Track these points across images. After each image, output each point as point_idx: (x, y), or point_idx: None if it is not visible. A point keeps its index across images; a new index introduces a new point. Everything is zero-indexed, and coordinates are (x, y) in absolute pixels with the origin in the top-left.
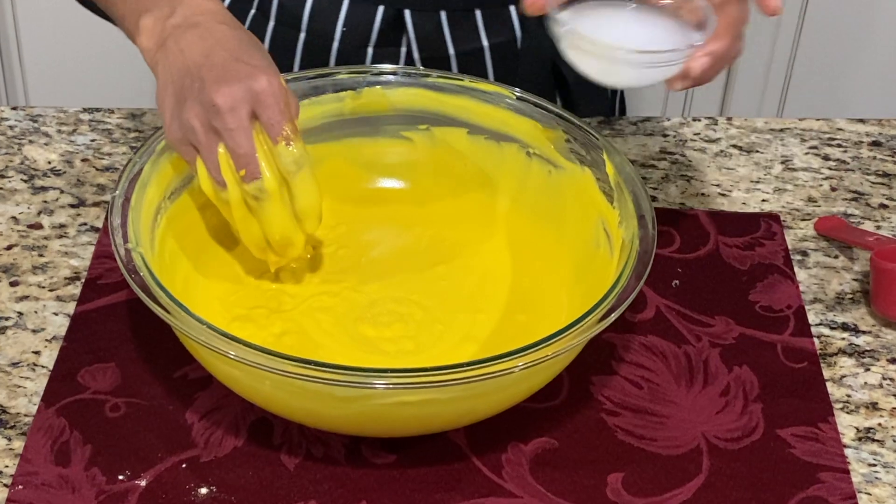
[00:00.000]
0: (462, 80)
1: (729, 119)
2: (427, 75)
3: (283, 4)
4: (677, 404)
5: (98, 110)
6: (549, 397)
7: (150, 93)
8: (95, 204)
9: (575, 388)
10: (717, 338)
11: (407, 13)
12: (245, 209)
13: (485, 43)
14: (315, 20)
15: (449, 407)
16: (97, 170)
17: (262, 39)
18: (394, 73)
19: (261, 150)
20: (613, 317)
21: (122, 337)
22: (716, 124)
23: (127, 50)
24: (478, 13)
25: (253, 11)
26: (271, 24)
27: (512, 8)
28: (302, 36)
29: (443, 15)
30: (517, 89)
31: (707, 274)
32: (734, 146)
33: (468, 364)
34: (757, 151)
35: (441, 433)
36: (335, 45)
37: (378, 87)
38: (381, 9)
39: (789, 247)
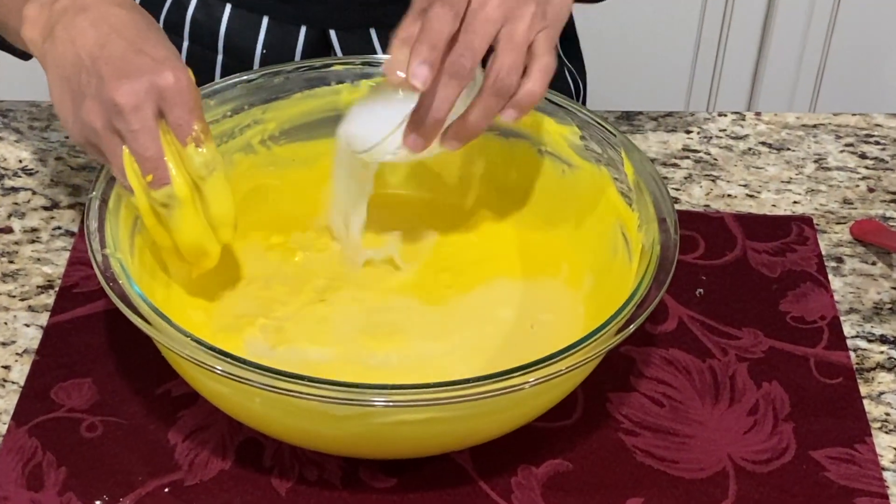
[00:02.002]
0: None
1: (757, 114)
2: None
3: (197, 21)
4: (701, 423)
5: None
6: (562, 416)
7: None
8: (70, 206)
9: (590, 405)
10: (744, 351)
11: (332, 33)
12: (154, 216)
13: None
14: (231, 40)
15: (454, 426)
16: (72, 169)
17: None
18: None
19: (169, 152)
20: (632, 328)
21: (99, 350)
22: (743, 120)
23: None
24: None
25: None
26: (185, 43)
27: None
28: (220, 58)
29: (373, 33)
30: None
31: (734, 282)
32: (763, 143)
33: (474, 380)
34: (788, 149)
35: (445, 455)
36: (256, 67)
37: (377, 78)
38: (303, 29)
39: (823, 252)
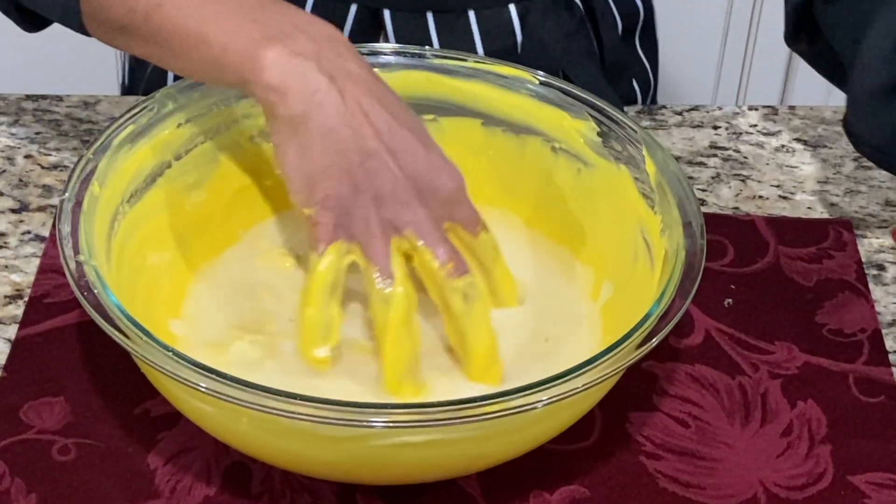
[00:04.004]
0: (476, 61)
1: (791, 108)
2: (435, 56)
3: None
4: (730, 446)
5: (44, 97)
6: (578, 437)
7: (106, 77)
8: (41, 208)
9: (609, 426)
10: (777, 367)
11: (386, 13)
12: (406, 318)
13: (479, 49)
14: None
15: (459, 449)
16: (43, 168)
17: None
18: (395, 53)
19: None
20: (654, 342)
21: (72, 366)
22: (776, 114)
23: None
24: (471, 14)
25: None
26: None
27: (512, 7)
28: None
29: (430, 17)
30: (540, 73)
31: (765, 291)
32: (798, 140)
33: (482, 398)
34: (825, 146)
35: (450, 480)
36: None
37: (376, 69)
38: (353, 7)
39: (863, 259)
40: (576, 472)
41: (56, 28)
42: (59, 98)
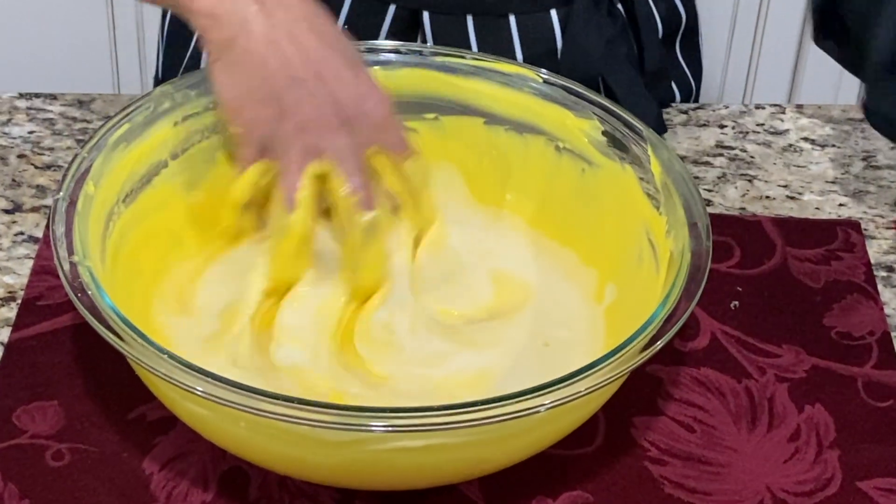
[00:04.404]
0: (478, 59)
1: (799, 107)
2: (436, 53)
3: None
4: (737, 451)
5: (37, 96)
6: (581, 442)
7: (100, 75)
8: (34, 209)
9: (613, 431)
10: (784, 371)
11: (425, 15)
12: (298, 242)
13: (519, 54)
14: None
15: (460, 454)
16: (36, 168)
17: None
18: (395, 51)
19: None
20: (659, 345)
21: (66, 370)
22: (783, 113)
23: (72, 23)
24: (512, 19)
25: None
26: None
27: (553, 13)
28: None
29: (469, 20)
30: (543, 70)
31: (772, 293)
32: (805, 139)
33: (483, 402)
34: (833, 146)
35: (451, 486)
36: None
37: (376, 67)
38: (392, 7)
39: (872, 261)
40: (579, 477)
41: (50, 26)
42: (53, 96)
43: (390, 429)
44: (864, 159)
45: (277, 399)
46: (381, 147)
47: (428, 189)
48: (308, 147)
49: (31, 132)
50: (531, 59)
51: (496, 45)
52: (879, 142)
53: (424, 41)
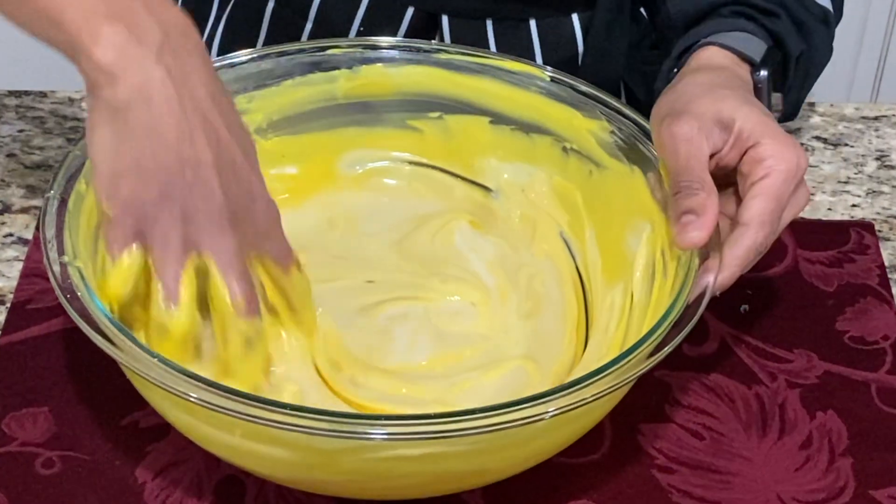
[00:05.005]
0: (483, 56)
1: (811, 105)
2: (440, 51)
3: None
4: (747, 459)
5: (27, 93)
6: (587, 450)
7: None
8: (24, 210)
9: (619, 438)
10: (796, 376)
11: (444, 19)
12: (182, 343)
13: (539, 59)
14: (325, 9)
15: (462, 463)
16: (26, 167)
17: (258, 19)
18: (398, 48)
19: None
20: (667, 350)
21: (57, 375)
22: None
23: None
24: (532, 24)
25: None
26: (271, 3)
27: (575, 17)
28: (308, 26)
29: (489, 24)
30: (549, 68)
31: (784, 297)
32: (817, 138)
33: (485, 409)
34: (846, 145)
35: (453, 495)
36: None
37: (379, 64)
38: (410, 10)
39: (886, 263)
40: (585, 486)
41: None
42: (43, 94)
43: (390, 437)
44: (877, 159)
45: (274, 406)
46: (263, 255)
47: (309, 302)
48: (190, 239)
49: (20, 130)
50: (552, 65)
51: (516, 50)
52: (893, 140)
53: None
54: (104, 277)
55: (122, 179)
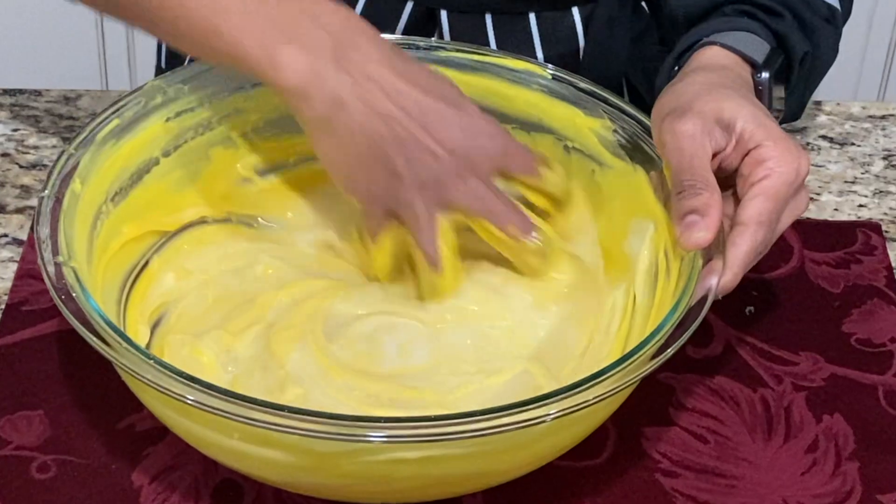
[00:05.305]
0: (483, 54)
1: (817, 103)
2: (438, 48)
3: None
4: (752, 463)
5: (22, 92)
6: (589, 454)
7: (87, 71)
8: (18, 210)
9: (622, 442)
10: (802, 379)
11: (442, 14)
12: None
13: (539, 53)
14: None
15: (462, 466)
16: (21, 167)
17: None
18: (397, 46)
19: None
20: (670, 352)
21: (52, 378)
22: None
23: (58, 16)
24: (532, 17)
25: None
26: None
27: (575, 10)
28: None
29: (488, 19)
30: (551, 66)
31: (790, 298)
32: (824, 137)
33: (486, 412)
34: (852, 144)
35: (454, 499)
36: None
37: None
38: (409, 5)
39: (893, 264)
40: (587, 490)
41: (35, 19)
42: (38, 92)
43: (387, 439)
44: (884, 158)
45: (272, 408)
46: (510, 173)
47: (571, 196)
48: (433, 201)
49: (14, 130)
50: (552, 60)
51: (515, 44)
52: None
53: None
54: (369, 259)
55: (355, 175)
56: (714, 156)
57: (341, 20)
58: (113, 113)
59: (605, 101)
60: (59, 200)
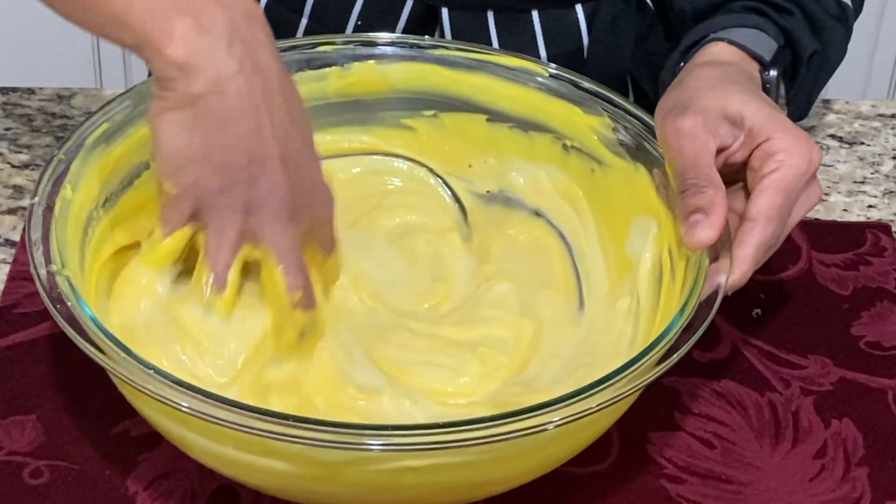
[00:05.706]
0: (480, 52)
1: (826, 102)
2: (435, 46)
3: None
4: (759, 469)
5: (14, 90)
6: (594, 460)
7: (81, 69)
8: (11, 211)
9: (628, 448)
10: (810, 383)
11: (444, 11)
12: (222, 319)
13: (542, 52)
14: (321, 4)
15: (465, 474)
16: (13, 167)
17: None
18: (392, 44)
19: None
20: (676, 357)
21: (44, 382)
22: None
23: (51, 16)
24: (535, 15)
25: None
26: (264, 0)
27: (579, 8)
28: (304, 22)
29: (490, 16)
30: (551, 64)
31: (798, 301)
32: (833, 136)
33: (489, 419)
34: (862, 143)
35: None
36: None
37: (371, 61)
38: (409, 2)
39: None
40: (593, 496)
41: (28, 18)
42: (31, 91)
43: (391, 448)
44: (895, 158)
45: (270, 416)
46: (313, 241)
47: (333, 290)
48: (248, 230)
49: (7, 129)
50: (555, 58)
51: (518, 42)
52: None
53: (442, 37)
54: (151, 247)
55: (190, 166)
56: (720, 152)
57: (246, 7)
58: (102, 116)
59: (606, 99)
60: (49, 206)
